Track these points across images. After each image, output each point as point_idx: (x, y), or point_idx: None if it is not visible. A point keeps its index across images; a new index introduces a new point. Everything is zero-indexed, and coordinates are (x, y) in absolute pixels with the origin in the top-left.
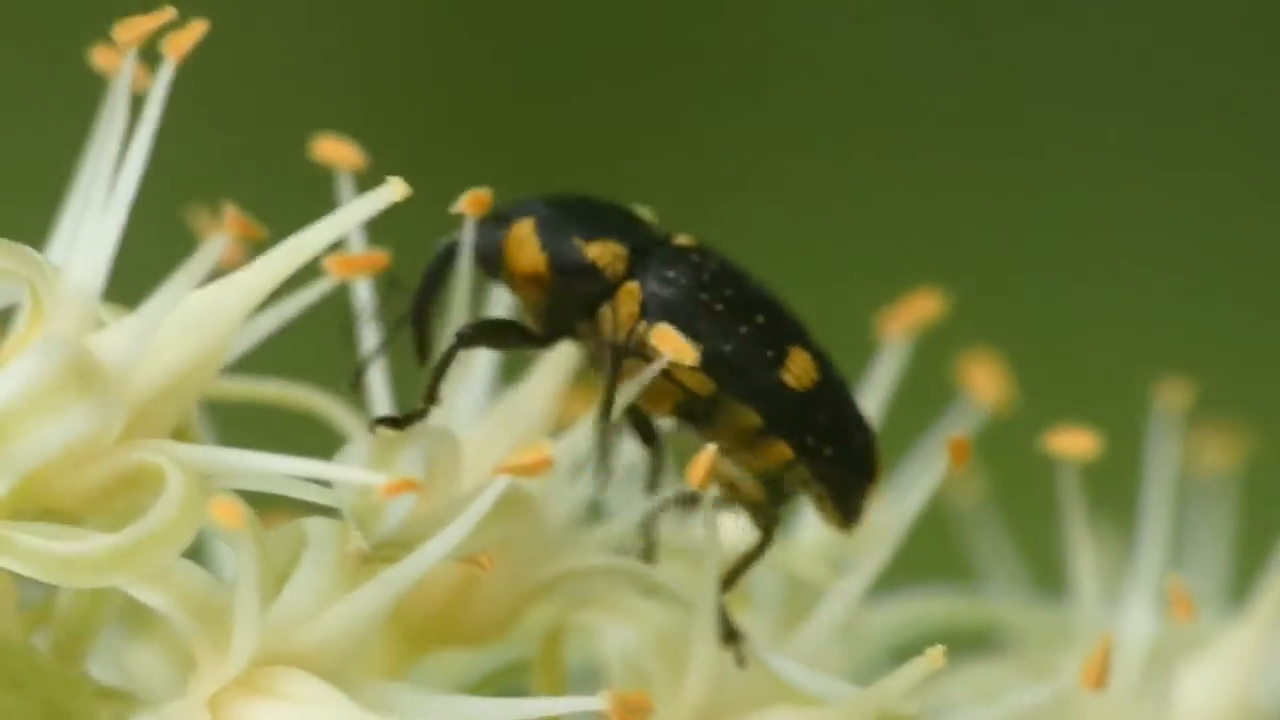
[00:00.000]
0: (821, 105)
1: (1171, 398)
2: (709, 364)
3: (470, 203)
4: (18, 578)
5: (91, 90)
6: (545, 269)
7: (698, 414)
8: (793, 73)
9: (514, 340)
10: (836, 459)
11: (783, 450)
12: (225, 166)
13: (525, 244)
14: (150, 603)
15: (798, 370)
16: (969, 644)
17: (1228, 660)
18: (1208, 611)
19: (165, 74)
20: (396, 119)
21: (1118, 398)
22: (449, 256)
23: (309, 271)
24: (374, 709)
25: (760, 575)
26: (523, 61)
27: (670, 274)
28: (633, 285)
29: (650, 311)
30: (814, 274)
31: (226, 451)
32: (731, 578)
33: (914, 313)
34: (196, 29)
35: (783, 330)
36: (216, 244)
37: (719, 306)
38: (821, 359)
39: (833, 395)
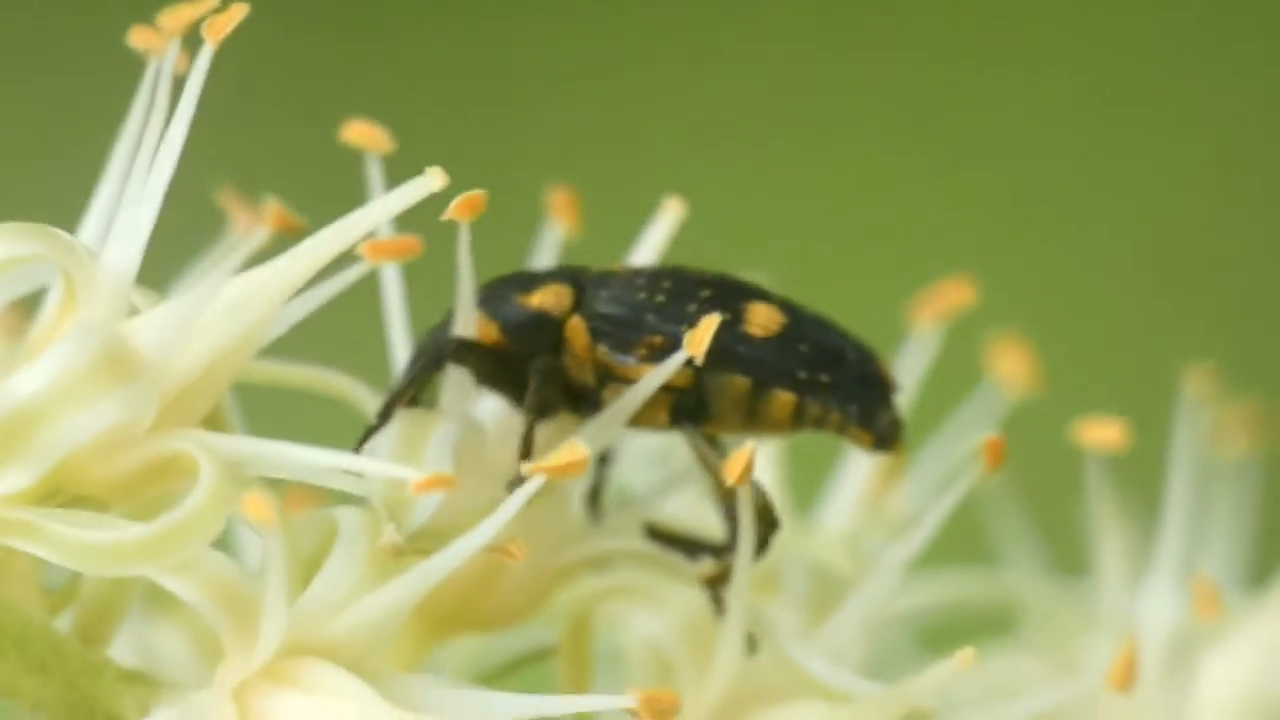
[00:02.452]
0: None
1: (1196, 382)
2: (673, 350)
3: (463, 207)
4: (42, 561)
5: (127, 73)
6: (500, 335)
7: (693, 409)
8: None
9: (498, 388)
10: (837, 381)
11: (784, 399)
12: (242, 148)
13: (482, 326)
14: (178, 592)
15: (761, 320)
16: (992, 628)
17: (1248, 648)
18: (1230, 598)
19: (204, 57)
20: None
21: (1141, 381)
22: (437, 359)
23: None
24: (399, 701)
25: (787, 566)
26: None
27: (604, 292)
28: (576, 320)
29: (600, 333)
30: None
31: (259, 441)
32: (721, 580)
33: (944, 301)
34: (237, 11)
35: (732, 293)
36: (255, 236)
37: (660, 298)
38: (784, 305)
39: (807, 329)
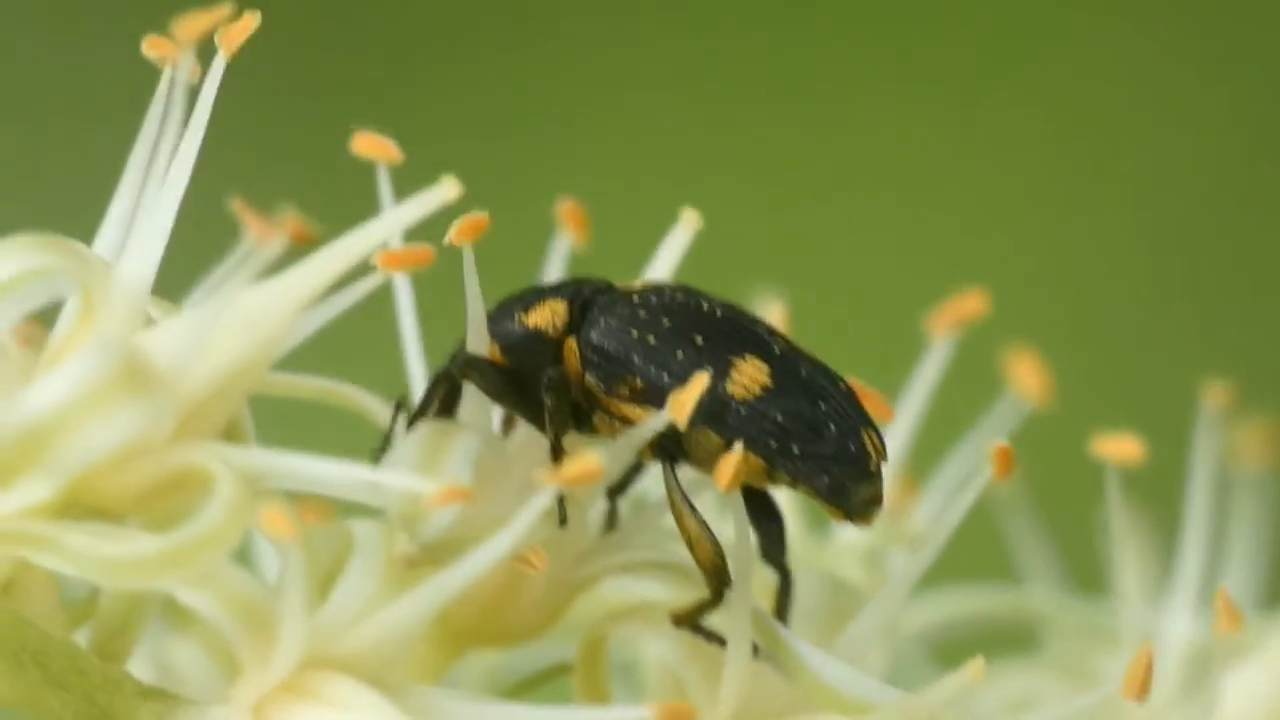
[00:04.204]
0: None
1: (1215, 397)
2: (651, 397)
3: (465, 230)
4: (60, 576)
5: (138, 83)
6: (500, 354)
7: (672, 448)
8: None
9: (508, 403)
10: (809, 454)
11: (754, 461)
12: (253, 157)
13: (490, 351)
14: (196, 606)
15: (744, 379)
16: (1010, 644)
17: (1269, 665)
18: (1249, 612)
19: (218, 68)
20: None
21: (1160, 396)
22: (454, 394)
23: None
24: (417, 714)
25: (801, 578)
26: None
27: (602, 320)
28: (571, 341)
29: (588, 362)
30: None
31: (276, 454)
32: (692, 617)
33: (960, 313)
34: (249, 22)
35: (724, 344)
36: (272, 246)
37: (652, 339)
38: (777, 363)
39: (790, 395)
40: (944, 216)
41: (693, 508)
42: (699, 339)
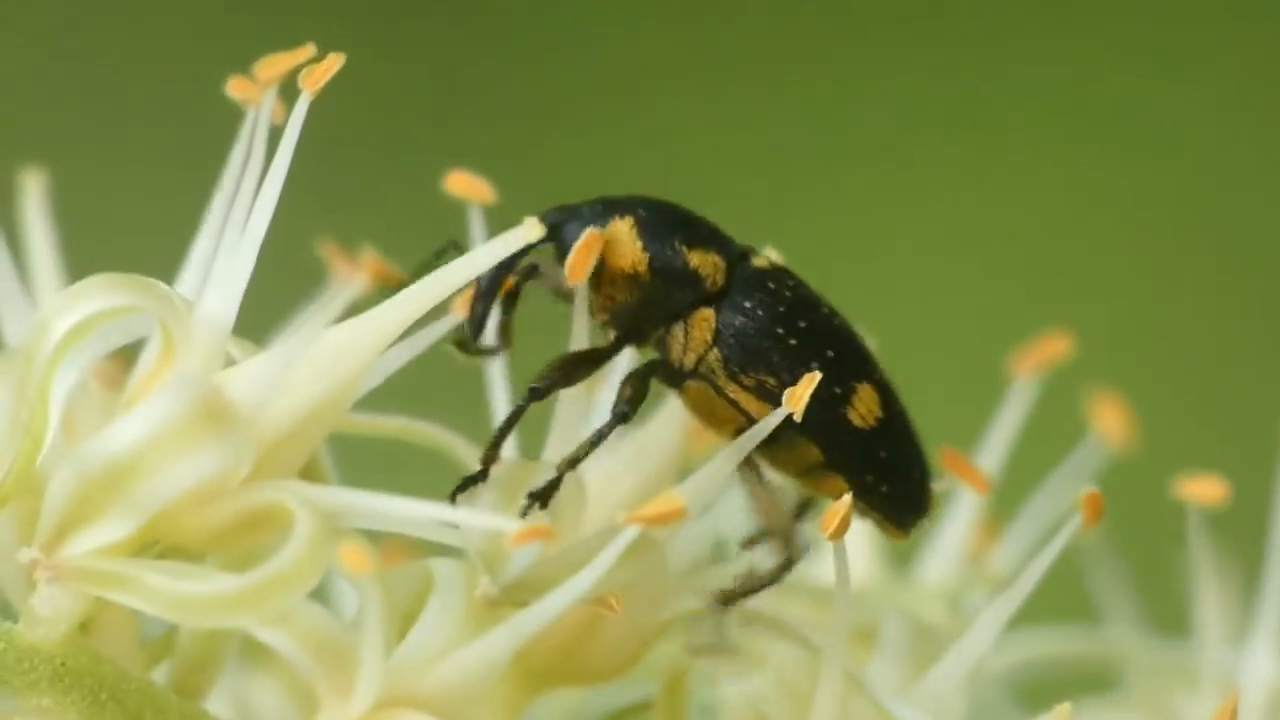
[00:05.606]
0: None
1: None
2: (774, 395)
3: (576, 267)
4: (139, 613)
5: (218, 123)
6: (645, 269)
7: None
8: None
9: (583, 371)
10: (892, 495)
11: (838, 484)
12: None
13: (624, 242)
14: (275, 644)
15: (863, 408)
16: (1091, 685)
17: None
18: None
19: (302, 107)
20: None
21: (1242, 437)
22: (527, 271)
23: None
24: None
25: (885, 618)
26: None
27: (748, 304)
28: (707, 312)
29: (723, 341)
30: (930, 316)
31: (354, 493)
32: (735, 596)
33: (1043, 354)
34: (333, 62)
35: (851, 364)
36: (353, 285)
37: (792, 341)
38: (887, 394)
39: (895, 432)
40: (1026, 257)
41: (767, 482)
42: (830, 352)
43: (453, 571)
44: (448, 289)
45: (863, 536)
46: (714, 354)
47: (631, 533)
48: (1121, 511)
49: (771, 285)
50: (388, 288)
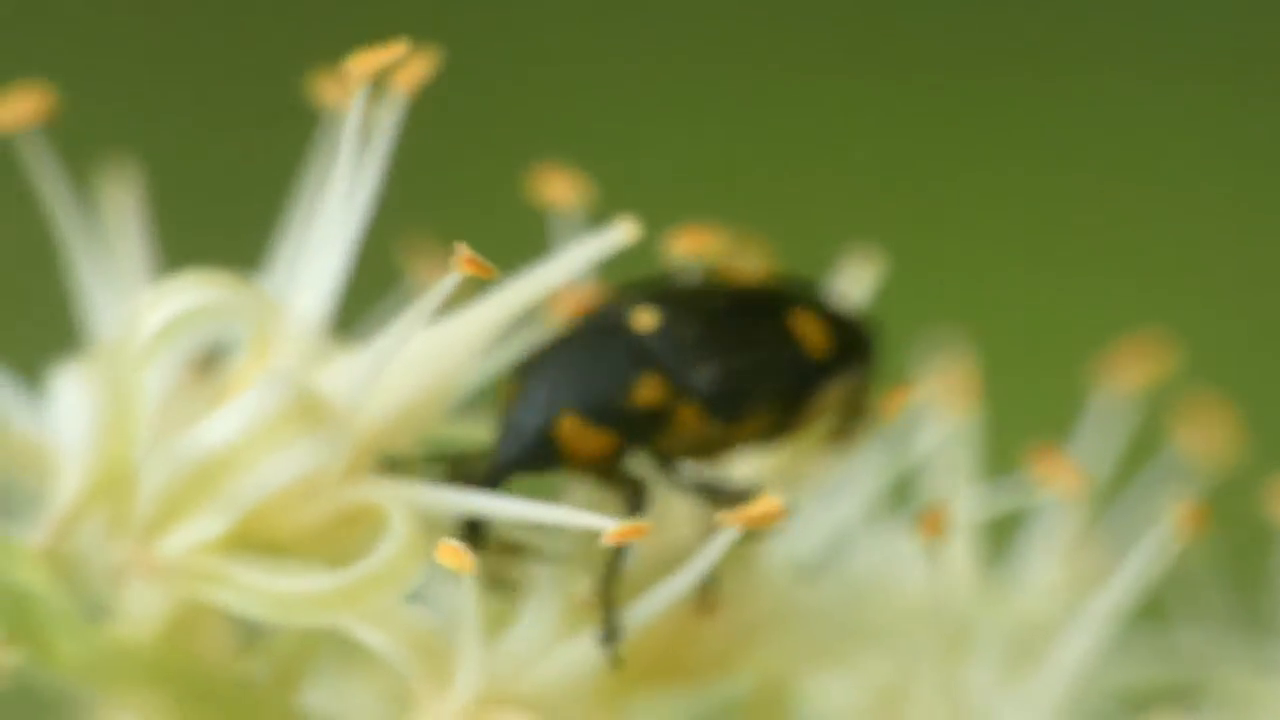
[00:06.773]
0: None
1: None
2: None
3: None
4: (232, 611)
5: (303, 122)
6: (612, 445)
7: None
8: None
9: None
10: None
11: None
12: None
13: (582, 436)
14: (372, 642)
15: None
16: (1181, 695)
17: None
18: None
19: (396, 107)
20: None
21: None
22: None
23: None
24: None
25: (983, 625)
26: None
27: (698, 372)
28: (687, 410)
29: (714, 413)
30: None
31: (450, 492)
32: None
33: (1139, 360)
34: (425, 61)
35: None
36: (449, 282)
37: (766, 383)
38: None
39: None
40: (1131, 261)
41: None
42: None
43: (550, 572)
44: (542, 290)
45: (958, 541)
46: (713, 424)
47: (731, 535)
48: (1214, 517)
49: (701, 324)
50: (479, 285)
